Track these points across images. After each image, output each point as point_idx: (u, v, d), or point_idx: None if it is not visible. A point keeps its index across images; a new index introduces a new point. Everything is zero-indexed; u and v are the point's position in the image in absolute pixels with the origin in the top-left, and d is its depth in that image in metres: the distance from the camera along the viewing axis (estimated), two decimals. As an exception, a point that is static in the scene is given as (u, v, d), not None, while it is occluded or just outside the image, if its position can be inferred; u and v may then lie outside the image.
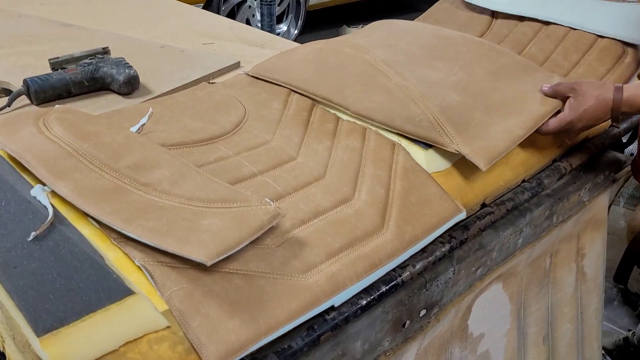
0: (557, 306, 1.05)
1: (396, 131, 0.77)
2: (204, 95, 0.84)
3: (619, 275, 1.48)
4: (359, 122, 0.80)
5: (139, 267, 0.51)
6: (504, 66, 0.89)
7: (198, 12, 1.65)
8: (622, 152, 1.14)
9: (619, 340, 1.34)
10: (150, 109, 0.77)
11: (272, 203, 0.57)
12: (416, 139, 0.76)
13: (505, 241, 0.83)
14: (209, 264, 0.49)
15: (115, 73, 1.14)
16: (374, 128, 0.78)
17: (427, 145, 0.76)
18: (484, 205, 0.79)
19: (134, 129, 0.71)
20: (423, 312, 0.74)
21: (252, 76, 0.92)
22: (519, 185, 0.84)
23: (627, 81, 1.01)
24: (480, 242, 0.78)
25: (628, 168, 1.04)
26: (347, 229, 0.62)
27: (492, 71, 0.88)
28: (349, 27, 3.54)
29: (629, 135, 1.15)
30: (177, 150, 0.69)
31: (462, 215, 0.71)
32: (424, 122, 0.75)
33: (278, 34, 2.83)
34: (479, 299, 0.87)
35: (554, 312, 1.05)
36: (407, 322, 0.71)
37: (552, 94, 0.84)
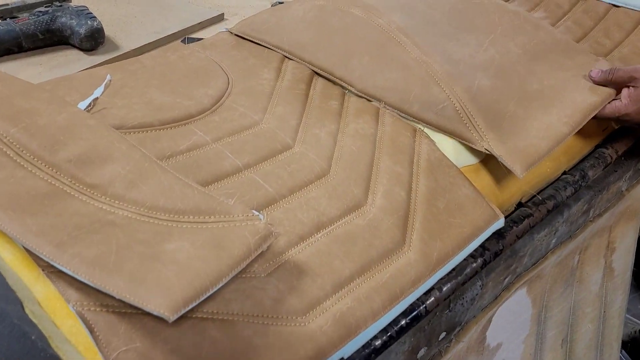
0: (579, 306, 0.93)
1: (412, 118, 0.62)
2: (176, 59, 0.67)
3: (632, 258, 1.38)
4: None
5: (76, 312, 0.37)
6: (542, 44, 0.73)
7: (177, -46, 1.44)
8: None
9: (635, 332, 1.24)
10: (108, 77, 0.61)
11: (261, 217, 0.42)
12: (436, 130, 0.61)
13: (539, 243, 0.70)
14: (171, 319, 0.34)
15: (76, 25, 0.97)
16: (389, 108, 0.63)
17: (454, 131, 0.61)
18: (519, 204, 0.65)
19: (82, 104, 0.55)
20: (442, 335, 0.61)
21: (237, 35, 0.75)
22: (558, 178, 0.70)
23: None
24: (512, 249, 0.65)
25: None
26: (360, 248, 0.47)
27: (529, 49, 0.72)
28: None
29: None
30: (138, 135, 0.53)
31: (500, 223, 0.57)
32: (448, 110, 0.59)
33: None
34: (501, 307, 0.74)
35: (576, 312, 0.93)
36: (425, 349, 0.58)
37: (604, 82, 0.69)
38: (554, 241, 0.74)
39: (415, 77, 0.62)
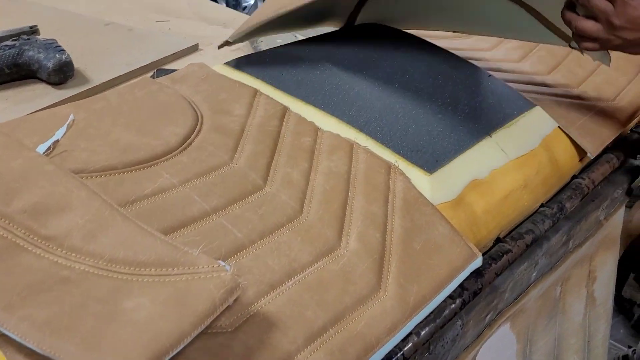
0: (564, 337, 0.92)
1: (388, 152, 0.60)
2: (144, 96, 0.65)
3: (612, 282, 1.38)
4: (343, 135, 0.62)
5: (24, 381, 0.34)
6: None
7: (151, -16, 1.43)
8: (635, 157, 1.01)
9: (618, 357, 1.23)
10: (71, 117, 0.59)
11: (227, 268, 0.40)
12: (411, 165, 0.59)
13: (519, 278, 0.69)
14: (127, 388, 0.32)
15: (43, 58, 0.94)
16: (362, 144, 0.61)
17: (430, 166, 0.59)
18: (497, 239, 0.64)
19: (41, 148, 0.52)
20: (424, 378, 0.58)
21: (221, 67, 0.74)
22: (536, 211, 0.69)
23: None
24: (492, 285, 0.63)
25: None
26: (333, 295, 0.45)
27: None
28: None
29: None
30: (100, 179, 0.51)
31: (478, 262, 0.55)
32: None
33: (244, 8, 2.59)
34: (485, 345, 0.72)
35: (561, 344, 0.92)
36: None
37: None
38: (534, 274, 0.73)
39: None
